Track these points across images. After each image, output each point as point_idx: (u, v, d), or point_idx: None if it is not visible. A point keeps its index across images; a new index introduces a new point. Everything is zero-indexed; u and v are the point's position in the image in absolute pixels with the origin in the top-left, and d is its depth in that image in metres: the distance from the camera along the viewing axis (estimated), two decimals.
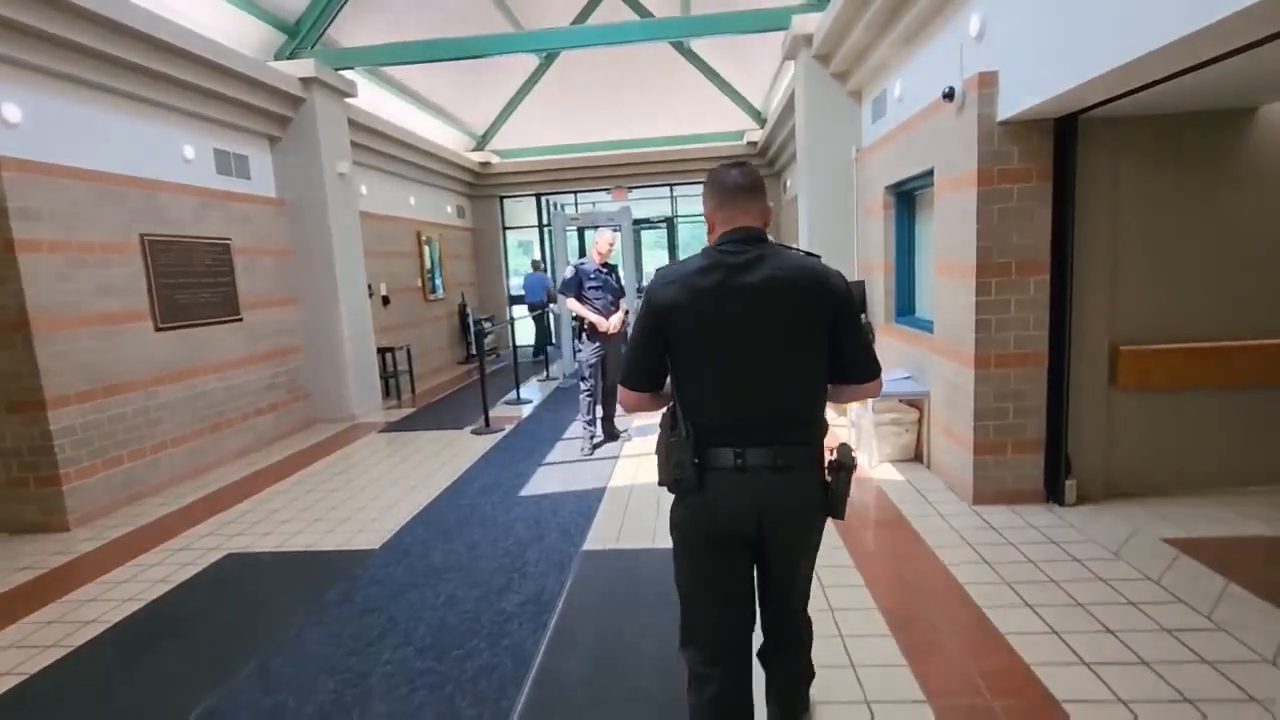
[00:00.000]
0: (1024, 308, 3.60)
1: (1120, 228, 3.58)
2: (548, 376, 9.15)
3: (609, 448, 5.47)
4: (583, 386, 5.42)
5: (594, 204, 13.24)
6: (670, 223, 13.00)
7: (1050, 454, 3.70)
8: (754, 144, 11.58)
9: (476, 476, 4.91)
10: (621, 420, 6.15)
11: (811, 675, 1.91)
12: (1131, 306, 3.64)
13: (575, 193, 12.84)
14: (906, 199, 5.21)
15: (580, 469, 4.94)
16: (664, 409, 1.68)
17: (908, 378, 4.78)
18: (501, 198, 12.80)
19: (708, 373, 1.56)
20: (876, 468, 4.57)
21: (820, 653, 2.02)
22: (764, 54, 10.13)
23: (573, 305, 5.31)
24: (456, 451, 5.65)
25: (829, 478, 1.62)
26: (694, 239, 14.46)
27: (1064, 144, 3.45)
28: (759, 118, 11.68)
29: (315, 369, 6.89)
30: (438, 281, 10.61)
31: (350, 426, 6.78)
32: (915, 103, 4.51)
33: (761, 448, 1.53)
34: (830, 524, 2.05)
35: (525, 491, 4.51)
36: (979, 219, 3.55)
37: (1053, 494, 3.72)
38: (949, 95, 3.70)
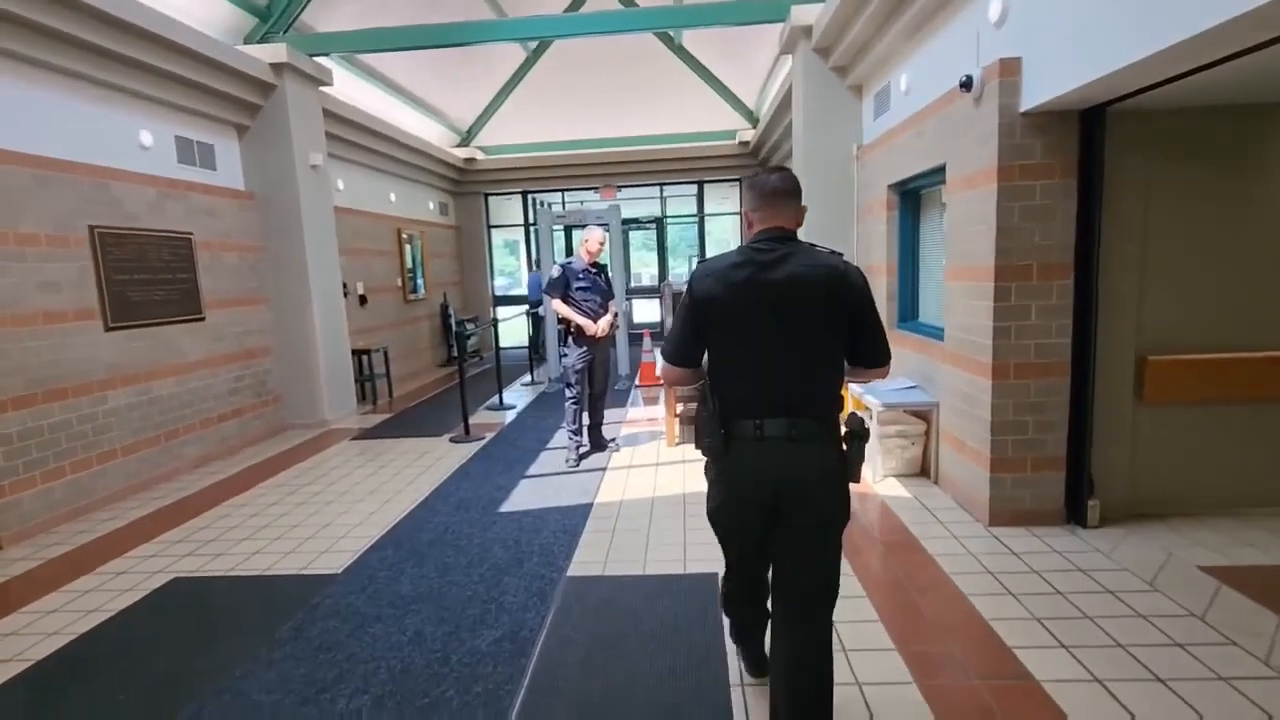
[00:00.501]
0: (1046, 314, 3.34)
1: (1150, 228, 3.33)
2: (533, 381, 8.82)
3: (596, 459, 5.15)
4: (568, 394, 5.10)
5: (582, 202, 12.90)
6: (660, 223, 12.72)
7: (1072, 472, 3.44)
8: (746, 144, 11.33)
9: (453, 490, 4.58)
10: (609, 429, 5.84)
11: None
12: (1159, 313, 3.38)
13: (562, 191, 12.53)
14: (911, 198, 4.95)
15: (565, 482, 4.62)
16: (700, 383, 1.92)
17: (913, 387, 4.51)
18: (486, 195, 12.45)
19: (735, 355, 1.79)
20: (881, 482, 4.30)
21: (835, 702, 1.73)
22: (757, 51, 9.90)
23: (558, 307, 4.99)
24: (433, 461, 5.31)
25: (845, 446, 1.81)
26: (682, 240, 14.19)
27: (1090, 138, 3.19)
28: (751, 117, 11.44)
29: (286, 372, 6.51)
30: (419, 281, 10.25)
31: (322, 433, 6.41)
32: (924, 95, 4.25)
33: (779, 419, 1.73)
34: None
35: (505, 507, 4.18)
36: (999, 218, 3.29)
37: (1074, 515, 3.46)
38: (966, 85, 3.44)
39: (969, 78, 3.42)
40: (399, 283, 9.47)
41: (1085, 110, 3.16)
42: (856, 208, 5.90)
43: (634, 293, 13.58)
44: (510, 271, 17.39)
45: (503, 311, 12.50)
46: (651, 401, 7.22)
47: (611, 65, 10.90)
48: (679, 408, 6.45)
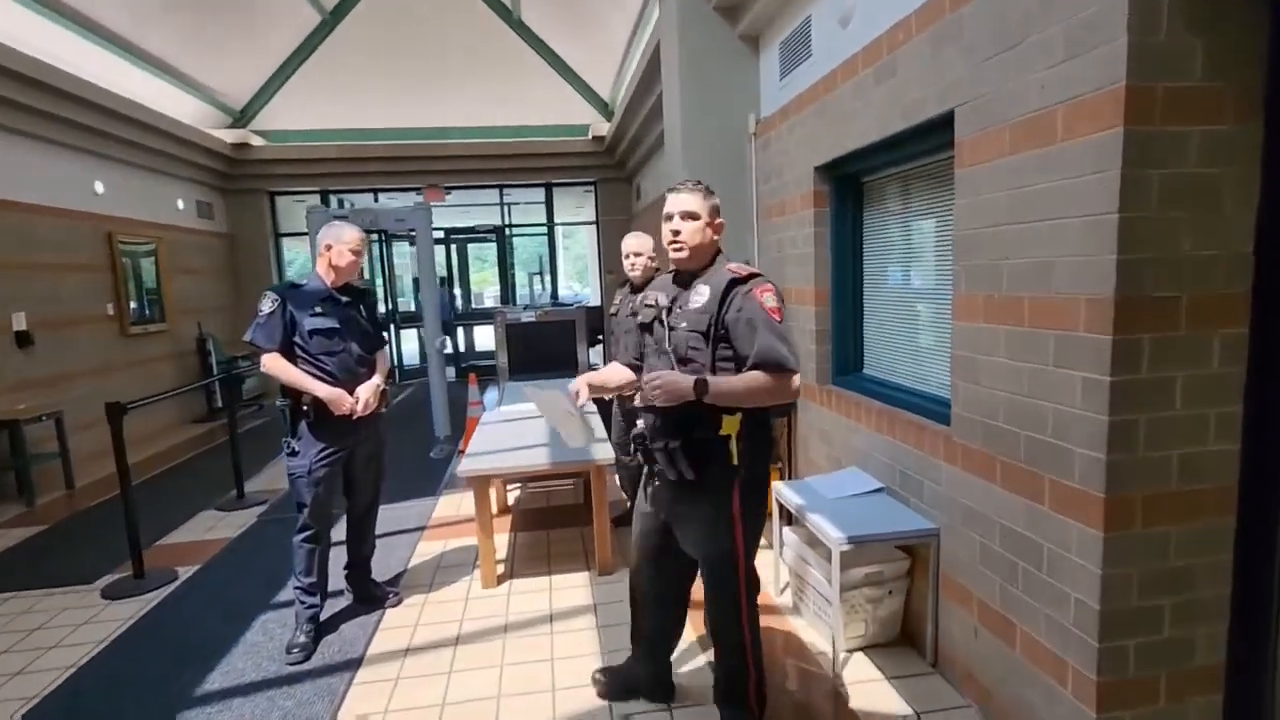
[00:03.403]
0: (1199, 393, 1.68)
1: None
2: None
3: (351, 632, 2.93)
4: (300, 520, 2.85)
5: (377, 198, 10.22)
6: (501, 233, 10.55)
7: (1233, 692, 1.80)
8: (600, 139, 9.53)
9: None
10: (392, 550, 3.64)
11: None
12: None
13: (375, 191, 10.01)
14: (851, 187, 3.27)
15: (268, 712, 2.38)
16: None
17: (879, 490, 2.78)
18: (272, 194, 9.65)
19: None
20: (845, 665, 2.50)
21: None
22: (610, 30, 8.19)
23: (273, 367, 2.75)
24: (35, 655, 2.83)
25: None
26: (529, 255, 12.12)
27: None
28: (606, 110, 9.70)
29: None
30: (160, 307, 7.36)
31: None
32: (893, 9, 2.55)
33: None
34: None
35: None
36: (1124, 199, 1.58)
37: None
38: None
39: None
40: (112, 310, 6.57)
41: None
42: (756, 207, 4.19)
43: (473, 317, 11.31)
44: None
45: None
46: None
47: (435, 41, 8.78)
48: (511, 497, 4.41)
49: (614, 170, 9.96)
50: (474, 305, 12.29)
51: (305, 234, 10.20)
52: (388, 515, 4.20)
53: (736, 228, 4.22)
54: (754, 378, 1.81)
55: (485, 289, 13.33)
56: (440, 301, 10.97)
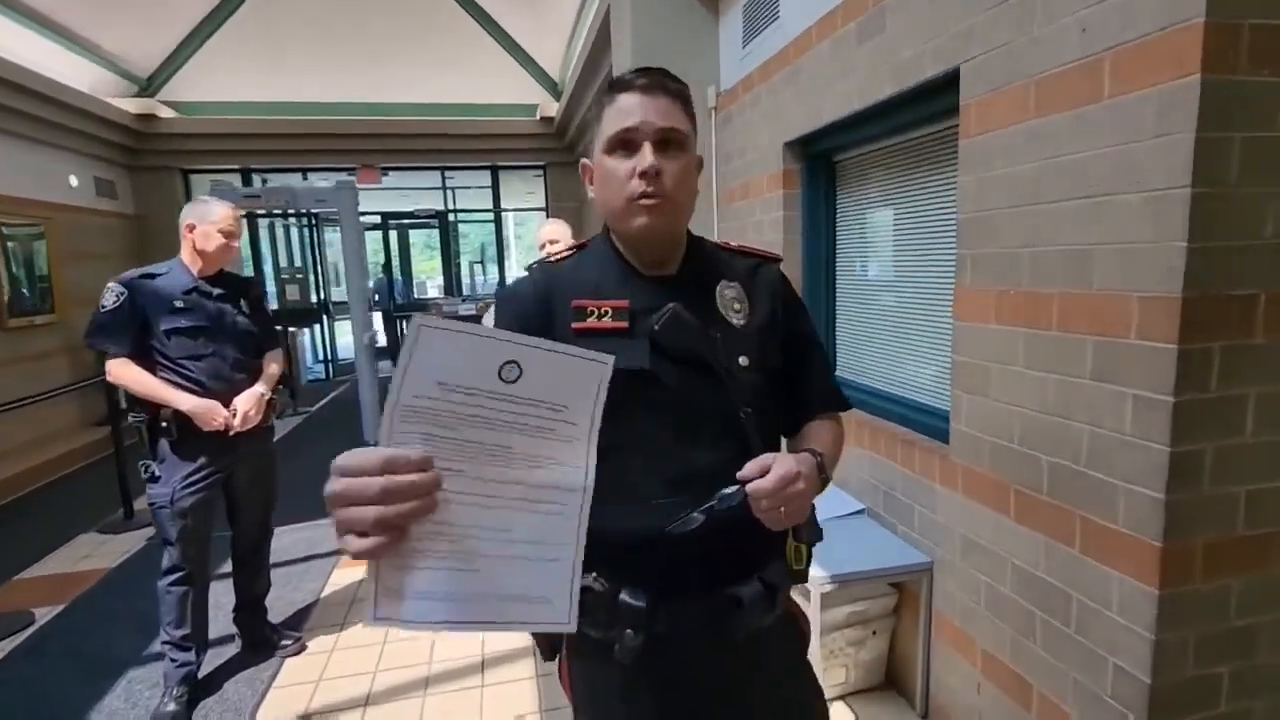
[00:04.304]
0: (1273, 416, 1.35)
1: None
2: None
3: (235, 695, 2.44)
4: (167, 561, 2.33)
5: (313, 180, 9.56)
6: (444, 219, 9.92)
7: None
8: (549, 120, 9.00)
9: None
10: (293, 594, 3.13)
11: None
12: None
13: (303, 170, 9.25)
14: (822, 165, 2.90)
15: None
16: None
17: (858, 512, 2.43)
18: (186, 171, 8.79)
19: None
20: None
21: None
22: (558, 1, 7.67)
23: (123, 376, 2.21)
24: None
25: None
26: (477, 243, 11.49)
27: None
28: (555, 89, 9.15)
29: None
30: (47, 298, 6.54)
31: None
32: None
33: None
34: None
35: None
36: (1198, 170, 1.22)
37: None
38: None
39: None
40: None
41: None
42: (716, 190, 3.80)
43: (416, 308, 10.65)
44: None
45: None
46: None
47: (370, 7, 8.06)
48: None
49: (564, 154, 9.44)
50: (417, 295, 11.64)
51: None
52: (299, 537, 3.70)
53: (695, 213, 3.83)
54: (837, 433, 1.09)
55: (431, 278, 12.64)
56: (381, 290, 10.37)
